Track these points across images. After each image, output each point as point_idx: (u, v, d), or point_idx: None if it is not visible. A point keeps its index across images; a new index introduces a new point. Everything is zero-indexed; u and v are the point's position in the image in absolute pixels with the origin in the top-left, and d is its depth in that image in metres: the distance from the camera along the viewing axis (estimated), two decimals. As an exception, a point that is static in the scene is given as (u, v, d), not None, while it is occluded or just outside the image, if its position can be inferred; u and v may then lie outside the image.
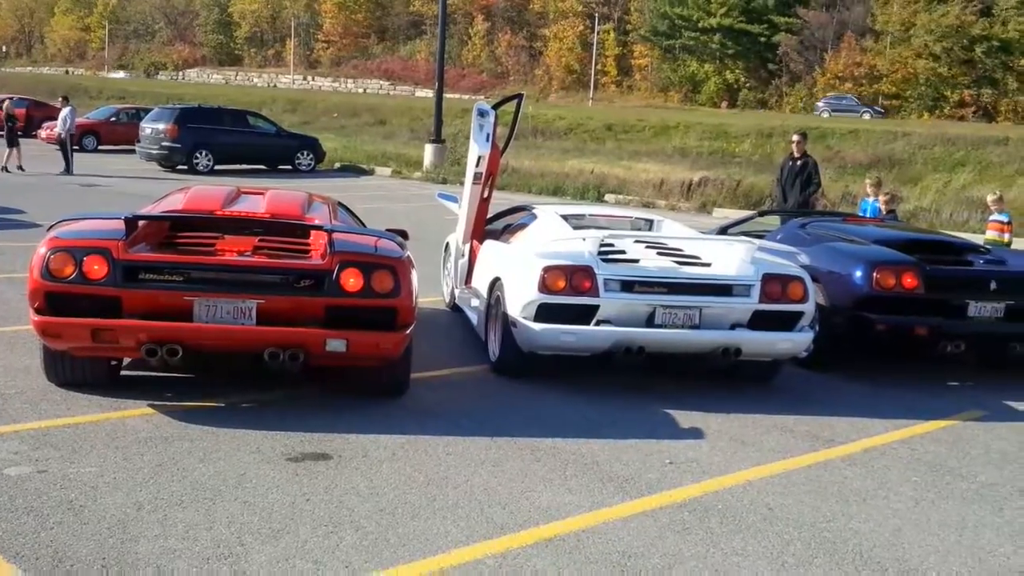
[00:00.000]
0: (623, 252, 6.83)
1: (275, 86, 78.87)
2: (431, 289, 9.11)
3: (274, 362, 5.30)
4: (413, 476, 4.80)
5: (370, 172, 26.80)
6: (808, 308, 6.59)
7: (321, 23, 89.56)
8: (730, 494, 4.84)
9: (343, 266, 5.38)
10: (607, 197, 22.28)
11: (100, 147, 28.94)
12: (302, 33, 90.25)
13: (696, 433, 5.81)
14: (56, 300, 5.24)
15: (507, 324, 6.58)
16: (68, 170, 21.33)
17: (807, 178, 12.87)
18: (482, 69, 79.31)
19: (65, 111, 22.50)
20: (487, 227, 8.56)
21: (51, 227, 5.74)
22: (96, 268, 5.21)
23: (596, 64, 71.93)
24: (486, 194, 8.20)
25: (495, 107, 8.26)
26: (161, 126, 23.80)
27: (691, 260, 6.82)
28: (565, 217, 7.85)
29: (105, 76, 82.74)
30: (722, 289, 6.46)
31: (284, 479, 4.65)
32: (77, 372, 5.75)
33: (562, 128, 40.15)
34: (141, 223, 5.66)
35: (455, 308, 8.81)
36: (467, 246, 8.30)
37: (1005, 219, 11.28)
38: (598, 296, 6.27)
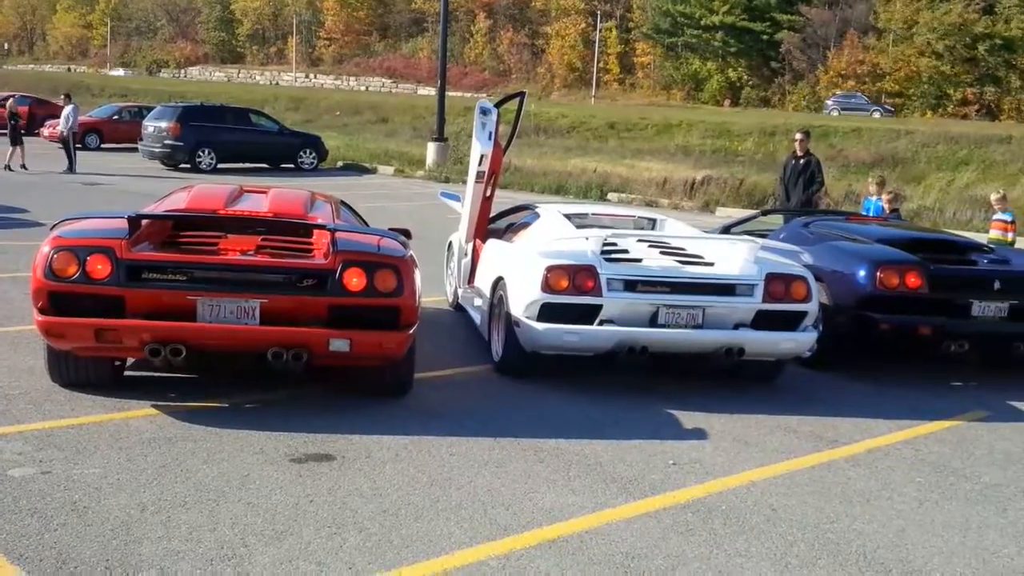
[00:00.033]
0: (626, 251, 6.83)
1: (277, 84, 78.88)
2: (434, 288, 9.11)
3: (277, 362, 5.30)
4: (417, 477, 4.79)
5: (372, 171, 26.80)
6: (811, 308, 6.59)
7: (323, 20, 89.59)
8: (734, 495, 4.84)
9: (346, 265, 5.37)
10: (610, 196, 22.27)
11: (103, 145, 28.98)
12: (304, 31, 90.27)
13: (699, 434, 5.80)
14: (60, 300, 5.24)
15: (510, 324, 6.58)
16: (71, 169, 21.34)
17: (810, 177, 12.84)
18: (484, 67, 79.30)
19: (67, 109, 22.52)
20: (490, 226, 8.56)
21: (54, 226, 5.74)
22: (99, 268, 5.21)
23: (598, 62, 71.89)
24: (489, 193, 8.19)
25: (497, 105, 8.26)
26: (164, 124, 23.82)
27: (694, 259, 6.81)
28: (568, 216, 7.84)
29: (105, 74, 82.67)
30: (725, 289, 6.45)
31: (288, 480, 4.65)
32: (81, 372, 5.75)
33: (565, 126, 40.13)
34: (144, 222, 5.65)
35: (458, 308, 8.80)
36: (470, 245, 8.30)
37: (1009, 218, 11.25)
38: (601, 296, 6.27)
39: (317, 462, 4.91)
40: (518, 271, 6.66)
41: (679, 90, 68.25)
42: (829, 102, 55.70)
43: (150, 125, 24.37)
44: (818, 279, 6.95)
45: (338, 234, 5.62)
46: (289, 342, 5.29)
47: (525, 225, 8.13)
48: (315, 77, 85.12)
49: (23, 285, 7.40)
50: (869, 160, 29.84)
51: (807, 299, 6.55)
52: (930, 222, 17.96)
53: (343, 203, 7.67)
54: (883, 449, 5.73)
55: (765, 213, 10.99)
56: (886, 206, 11.36)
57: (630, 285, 6.35)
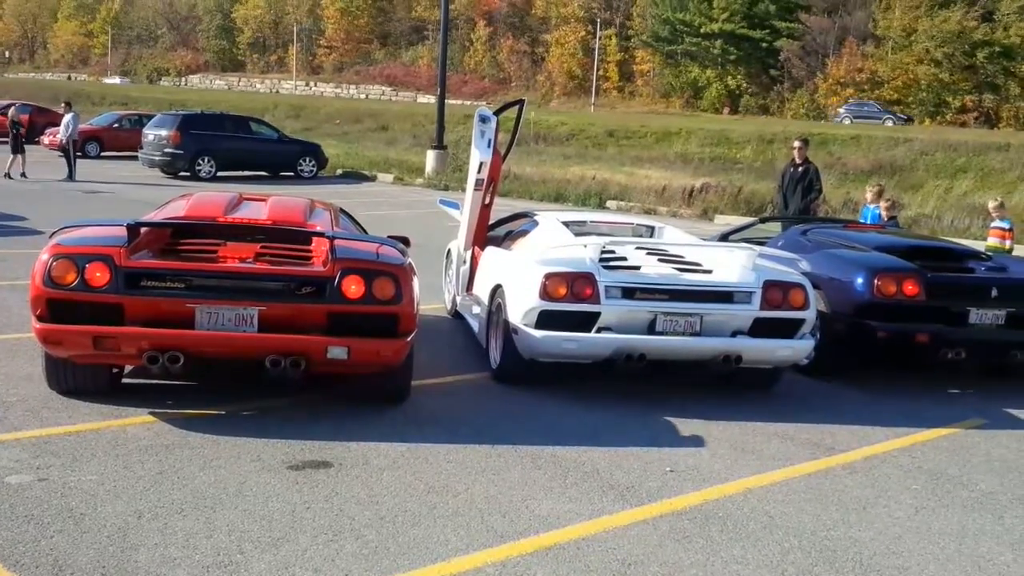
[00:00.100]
0: (624, 259, 6.84)
1: (277, 92, 79.06)
2: (432, 296, 9.12)
3: (275, 369, 5.30)
4: (413, 484, 4.80)
5: (372, 178, 26.82)
6: (809, 315, 6.60)
7: (323, 29, 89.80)
8: (731, 502, 4.84)
9: (345, 273, 5.38)
10: (609, 203, 22.28)
11: (103, 153, 28.99)
12: (304, 39, 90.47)
13: (697, 441, 5.81)
14: (58, 307, 5.25)
15: (508, 331, 6.59)
16: (71, 177, 21.36)
17: (808, 184, 12.87)
18: (484, 75, 79.48)
19: (68, 117, 22.55)
20: (489, 234, 8.57)
21: (53, 234, 5.75)
22: (98, 275, 5.22)
23: (598, 70, 72.04)
24: (488, 200, 8.21)
25: (497, 113, 8.28)
26: (164, 132, 23.86)
27: (692, 267, 6.82)
28: (566, 224, 7.86)
29: (103, 82, 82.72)
30: (723, 296, 6.46)
31: (284, 487, 4.65)
32: (79, 380, 5.76)
33: (564, 134, 40.18)
34: (143, 230, 5.67)
35: (456, 315, 8.81)
36: (468, 253, 8.31)
37: (1006, 226, 11.27)
38: (599, 303, 6.28)
39: (314, 469, 4.91)
40: (516, 279, 6.67)
41: (678, 98, 68.38)
42: (841, 110, 54.78)
43: (150, 133, 24.41)
44: (816, 287, 6.96)
45: (337, 242, 5.63)
46: (287, 350, 5.29)
47: (524, 233, 8.14)
48: (315, 85, 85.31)
49: (22, 293, 7.42)
50: (867, 168, 29.86)
51: (805, 306, 6.56)
52: (928, 230, 17.99)
53: (342, 211, 7.68)
54: (880, 457, 5.74)
55: (763, 220, 11.02)
56: (884, 214, 11.37)
57: (628, 292, 6.36)
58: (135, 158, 25.41)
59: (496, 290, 7.01)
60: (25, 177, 20.89)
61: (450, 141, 28.35)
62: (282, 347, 5.29)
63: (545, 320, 6.30)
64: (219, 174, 23.81)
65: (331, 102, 59.55)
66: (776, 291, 6.50)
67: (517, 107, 8.99)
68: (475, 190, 8.02)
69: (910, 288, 7.15)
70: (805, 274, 7.09)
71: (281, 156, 25.56)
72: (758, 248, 7.20)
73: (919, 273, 7.25)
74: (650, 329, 6.33)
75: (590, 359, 6.44)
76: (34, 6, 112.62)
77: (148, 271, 5.34)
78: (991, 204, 11.96)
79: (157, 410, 5.67)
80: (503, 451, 5.36)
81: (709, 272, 6.73)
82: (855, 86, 59.88)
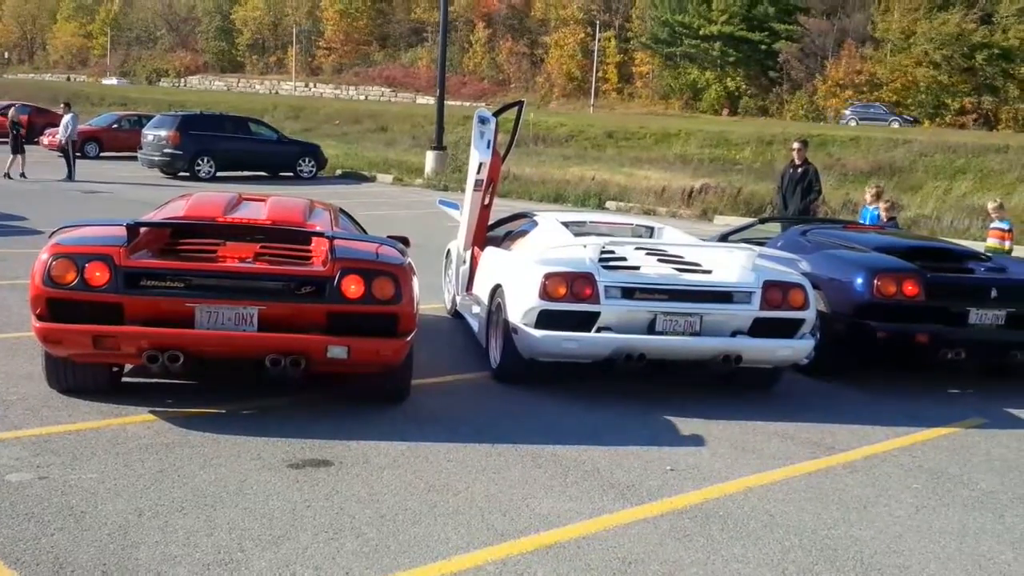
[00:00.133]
0: (624, 259, 6.84)
1: (277, 93, 79.06)
2: (432, 296, 9.12)
3: (275, 369, 5.30)
4: (414, 483, 4.80)
5: (371, 179, 26.83)
6: (809, 315, 6.60)
7: (323, 30, 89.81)
8: (731, 501, 4.84)
9: (344, 273, 5.39)
10: (608, 204, 22.29)
11: (102, 154, 28.99)
12: (304, 40, 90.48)
13: (697, 440, 5.81)
14: (58, 306, 5.25)
15: (508, 331, 6.59)
16: (70, 177, 21.36)
17: (808, 185, 12.89)
18: (483, 76, 79.49)
19: (67, 118, 22.55)
20: (488, 234, 8.58)
21: (53, 234, 5.75)
22: (98, 275, 5.22)
23: (597, 71, 72.08)
24: (487, 201, 8.21)
25: (496, 114, 8.28)
26: (163, 133, 23.86)
27: (692, 267, 6.82)
28: (566, 224, 7.86)
29: (102, 83, 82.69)
30: (723, 296, 6.47)
31: (285, 485, 4.65)
32: (78, 378, 5.76)
33: (563, 135, 40.19)
34: (143, 230, 5.67)
35: (456, 315, 8.82)
36: (468, 253, 8.31)
37: (1006, 227, 11.28)
38: (599, 303, 6.28)
39: (315, 468, 4.91)
40: (516, 278, 6.67)
41: (677, 99, 68.42)
42: (847, 112, 54.41)
43: (149, 134, 24.41)
44: (815, 287, 6.96)
45: (336, 242, 5.63)
46: (287, 349, 5.29)
47: (523, 233, 8.15)
48: (315, 86, 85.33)
49: (21, 292, 7.42)
50: (867, 169, 29.87)
51: (804, 306, 6.56)
52: (928, 230, 18.01)
53: (342, 211, 7.69)
54: (880, 456, 5.74)
55: (763, 221, 11.02)
56: (883, 215, 11.38)
57: (628, 292, 6.36)
58: (134, 158, 25.42)
59: (496, 290, 7.01)
60: (25, 177, 20.88)
61: (449, 142, 28.37)
62: (282, 346, 5.29)
63: (545, 320, 6.30)
64: (218, 174, 23.82)
65: (330, 103, 59.56)
66: (776, 291, 6.50)
67: (516, 108, 8.99)
68: (475, 190, 8.02)
69: (910, 288, 7.15)
70: (805, 274, 7.09)
71: (280, 157, 25.57)
72: (758, 248, 7.20)
73: (919, 273, 7.25)
74: (650, 329, 6.34)
75: (590, 359, 6.44)
76: (33, 7, 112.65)
77: (148, 271, 5.34)
78: (990, 205, 11.98)
79: (157, 409, 5.67)
80: (503, 450, 5.36)
81: (709, 272, 6.73)
82: (854, 88, 59.92)
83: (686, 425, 6.08)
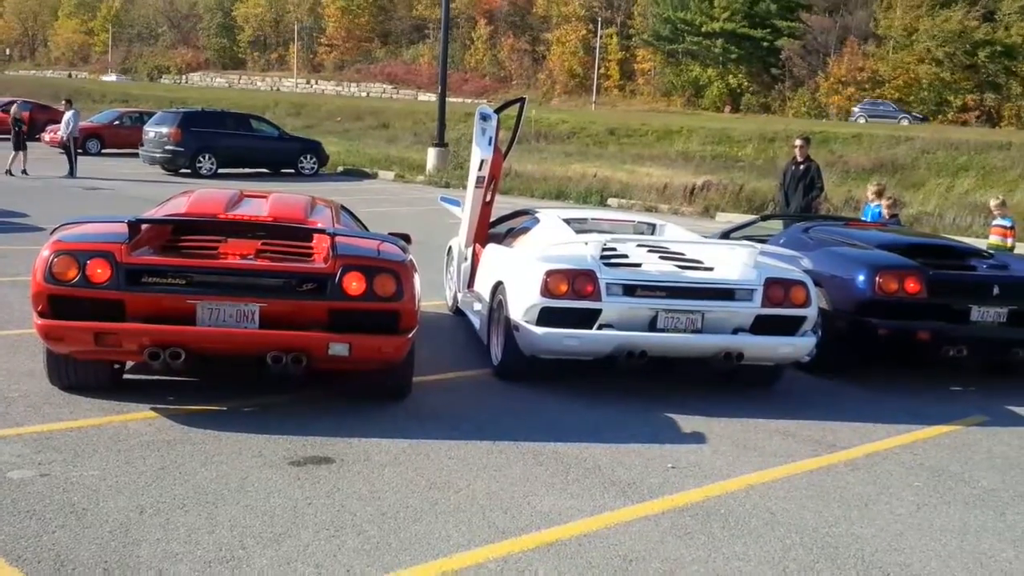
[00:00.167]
0: (625, 256, 6.84)
1: (278, 90, 79.04)
2: (434, 293, 9.12)
3: (277, 366, 5.30)
4: (415, 480, 4.80)
5: (373, 176, 26.83)
6: (810, 312, 6.60)
7: (324, 27, 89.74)
8: (732, 498, 4.84)
9: (346, 270, 5.38)
10: (610, 201, 22.28)
11: (103, 150, 29.00)
12: (305, 37, 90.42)
13: (698, 437, 5.80)
14: (59, 303, 5.25)
15: (509, 328, 6.59)
16: (71, 173, 21.37)
17: (810, 182, 12.88)
18: (485, 73, 79.42)
19: (68, 114, 22.56)
20: (490, 231, 8.57)
21: (54, 230, 5.75)
22: (99, 271, 5.22)
23: (599, 68, 72.00)
24: (488, 198, 8.21)
25: (497, 111, 8.28)
26: (165, 130, 23.85)
27: (693, 264, 6.82)
28: (568, 221, 7.85)
29: (101, 79, 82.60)
30: (724, 293, 6.46)
31: (286, 483, 4.65)
32: (80, 375, 5.76)
33: (565, 132, 40.18)
34: (144, 227, 5.66)
35: (458, 312, 8.81)
36: (470, 250, 8.31)
37: (1008, 224, 11.26)
38: (600, 300, 6.28)
39: (316, 465, 4.91)
40: (518, 275, 6.67)
41: (679, 96, 68.31)
42: (855, 109, 54.03)
43: (151, 130, 24.40)
44: (817, 284, 6.96)
45: (338, 238, 5.63)
46: (289, 346, 5.30)
47: (525, 230, 8.14)
48: (316, 83, 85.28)
49: (23, 289, 7.42)
50: (869, 166, 29.85)
51: (806, 304, 6.55)
52: (930, 228, 17.99)
53: (343, 208, 7.68)
54: (882, 454, 5.74)
55: (765, 218, 11.02)
56: (885, 212, 11.37)
57: (629, 290, 6.35)
58: (136, 155, 25.41)
59: (497, 287, 7.01)
60: (26, 174, 20.89)
61: (451, 139, 28.35)
62: (283, 343, 5.29)
63: (546, 317, 6.30)
64: (220, 171, 23.81)
65: (332, 100, 59.56)
66: (777, 288, 6.49)
67: (518, 105, 8.99)
68: (476, 187, 8.02)
69: (912, 286, 7.14)
70: (807, 272, 7.09)
71: (282, 153, 25.56)
72: (759, 246, 7.19)
73: (921, 271, 7.25)
74: (651, 326, 6.33)
75: (591, 356, 6.44)
76: (35, 4, 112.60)
77: (149, 267, 5.34)
78: (993, 202, 11.95)
79: (159, 406, 5.67)
80: (504, 447, 5.36)
81: (710, 269, 6.73)
82: (856, 85, 59.82)
83: (687, 423, 6.07)
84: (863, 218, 11.86)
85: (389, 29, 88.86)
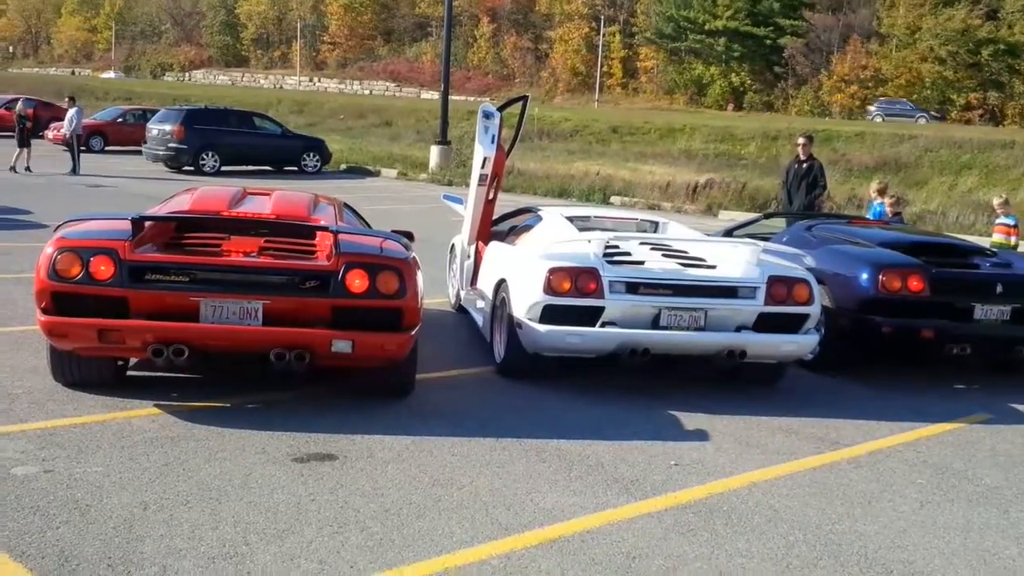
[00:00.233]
0: (628, 254, 6.84)
1: (281, 87, 79.02)
2: (437, 290, 9.12)
3: (280, 363, 5.31)
4: (418, 477, 4.80)
5: (376, 173, 26.83)
6: (814, 310, 6.59)
7: (327, 25, 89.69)
8: (735, 496, 4.84)
9: (349, 267, 5.39)
10: (613, 199, 22.28)
11: (107, 148, 29.01)
12: (308, 35, 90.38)
13: (701, 435, 5.81)
14: (63, 300, 5.26)
15: (512, 325, 6.59)
16: (75, 171, 21.38)
17: (813, 180, 12.87)
18: (488, 71, 79.36)
19: (72, 112, 22.57)
20: (493, 229, 8.57)
21: (58, 227, 5.76)
22: (103, 268, 5.23)
23: (602, 66, 71.93)
24: (491, 196, 8.21)
25: (500, 109, 8.27)
26: (168, 127, 23.86)
27: (696, 262, 6.82)
28: (570, 219, 7.85)
29: (101, 76, 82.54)
30: (727, 291, 6.46)
31: (289, 479, 4.66)
32: (83, 372, 5.77)
33: (568, 130, 40.17)
34: (148, 224, 5.67)
35: (460, 309, 8.82)
36: (472, 248, 8.31)
37: (1011, 222, 11.25)
38: (603, 298, 6.28)
39: (319, 462, 4.92)
40: (520, 273, 6.67)
41: (682, 94, 68.24)
42: (872, 108, 53.74)
43: (154, 128, 24.41)
44: (820, 282, 6.96)
45: (341, 236, 5.63)
46: (292, 343, 5.30)
47: (528, 228, 8.15)
48: (319, 81, 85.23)
49: (27, 286, 7.42)
50: (872, 164, 29.83)
51: (809, 302, 6.55)
52: (933, 226, 17.97)
53: (346, 205, 7.69)
54: (885, 451, 5.74)
55: (768, 216, 11.00)
56: (888, 210, 11.36)
57: (632, 287, 6.35)
58: (139, 153, 25.45)
59: (500, 285, 7.01)
60: (30, 171, 20.91)
61: (454, 137, 28.35)
62: (286, 341, 5.30)
63: (549, 314, 6.30)
64: (223, 169, 23.82)
65: (335, 98, 59.55)
66: (780, 286, 6.49)
67: (521, 103, 8.99)
68: (479, 185, 8.01)
69: (915, 284, 7.14)
70: (810, 270, 7.08)
71: (285, 151, 25.58)
72: (762, 243, 7.19)
73: (924, 269, 7.24)
74: (654, 324, 6.33)
75: (594, 353, 6.44)
76: (38, 1, 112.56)
77: (153, 264, 5.35)
78: (996, 201, 11.94)
79: (162, 402, 5.68)
80: (507, 444, 5.37)
81: (713, 267, 6.73)
82: (859, 83, 59.75)
83: (690, 420, 6.08)
84: (869, 216, 11.85)
85: (392, 27, 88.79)
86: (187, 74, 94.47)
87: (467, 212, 8.41)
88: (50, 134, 28.37)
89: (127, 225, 5.47)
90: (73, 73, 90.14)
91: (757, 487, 4.98)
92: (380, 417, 5.69)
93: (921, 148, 31.91)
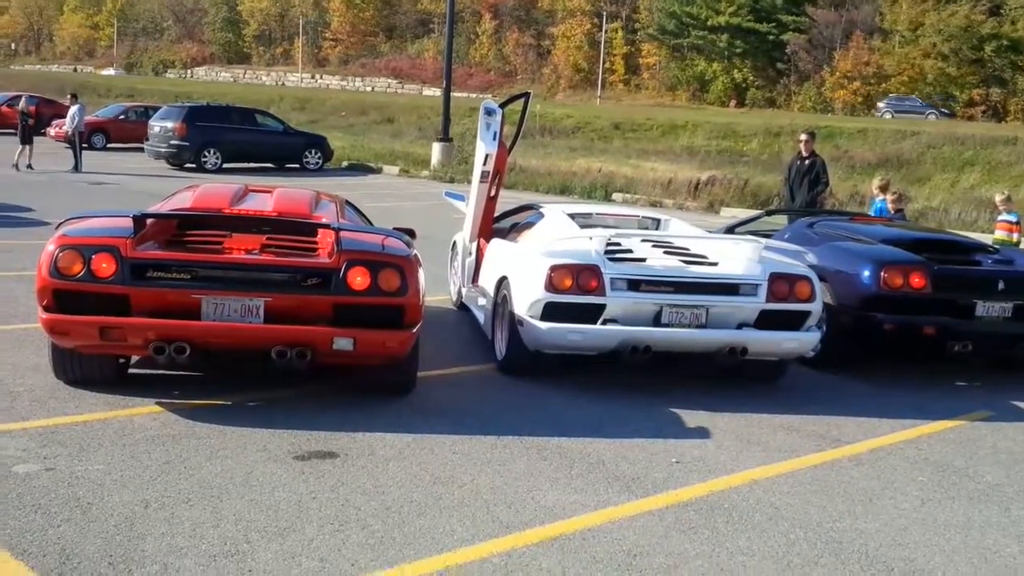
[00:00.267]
0: (630, 251, 6.83)
1: (283, 84, 78.96)
2: (438, 288, 9.13)
3: (281, 360, 5.31)
4: (419, 475, 4.81)
5: (378, 170, 26.83)
6: (815, 308, 6.59)
7: (329, 21, 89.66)
8: (736, 493, 4.84)
9: (350, 264, 5.39)
10: (614, 196, 22.26)
11: (109, 145, 29.03)
12: (310, 31, 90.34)
13: (702, 432, 5.81)
14: (64, 298, 5.26)
15: (514, 323, 6.59)
16: (77, 168, 21.39)
17: (815, 177, 12.86)
18: (490, 68, 79.30)
19: (74, 109, 22.56)
20: (494, 226, 8.57)
21: (60, 225, 5.77)
22: (104, 266, 5.23)
23: (604, 63, 71.86)
24: (493, 193, 8.21)
25: (502, 106, 8.27)
26: (170, 124, 23.87)
27: (698, 259, 6.81)
28: (572, 216, 7.85)
29: (101, 73, 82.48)
30: (729, 288, 6.46)
31: (291, 477, 4.66)
32: (85, 370, 5.78)
33: (570, 127, 40.13)
34: (149, 221, 5.66)
35: (462, 307, 8.82)
36: (474, 245, 8.31)
37: (1014, 219, 11.24)
38: (605, 295, 6.27)
39: (320, 459, 4.92)
40: (522, 270, 6.67)
41: (684, 91, 68.16)
42: (881, 104, 53.57)
43: (156, 125, 24.42)
44: (822, 279, 6.95)
45: (343, 233, 5.63)
46: (293, 341, 5.30)
47: (529, 225, 8.14)
48: (321, 78, 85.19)
49: (28, 283, 7.42)
50: (874, 161, 29.77)
51: (811, 299, 6.55)
52: (935, 223, 17.95)
53: (348, 203, 7.68)
54: (886, 449, 5.73)
55: (770, 213, 10.98)
56: (891, 207, 11.35)
57: (634, 285, 6.35)
58: (141, 150, 25.45)
59: (502, 282, 7.01)
60: (32, 168, 20.91)
61: (456, 134, 28.35)
62: (288, 338, 5.30)
63: (550, 312, 6.30)
64: (224, 166, 23.84)
65: (337, 94, 59.51)
66: (782, 283, 6.49)
67: (523, 100, 8.98)
68: (481, 182, 8.01)
69: (917, 281, 7.13)
70: (811, 267, 7.07)
71: (287, 148, 25.59)
72: (764, 240, 7.19)
73: (926, 266, 7.23)
74: (656, 321, 6.33)
75: (595, 351, 6.44)
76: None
77: (154, 262, 5.36)
78: (998, 197, 11.93)
79: (163, 400, 5.68)
80: (508, 442, 5.37)
81: (715, 264, 6.72)
82: (862, 80, 59.66)
83: (691, 417, 6.08)
84: (868, 213, 11.84)
85: (394, 24, 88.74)
86: (189, 71, 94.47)
87: (469, 209, 8.41)
88: (52, 131, 28.38)
89: (129, 223, 5.48)
90: (75, 70, 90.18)
91: (758, 485, 4.98)
92: (381, 415, 5.69)
93: (924, 144, 31.84)
